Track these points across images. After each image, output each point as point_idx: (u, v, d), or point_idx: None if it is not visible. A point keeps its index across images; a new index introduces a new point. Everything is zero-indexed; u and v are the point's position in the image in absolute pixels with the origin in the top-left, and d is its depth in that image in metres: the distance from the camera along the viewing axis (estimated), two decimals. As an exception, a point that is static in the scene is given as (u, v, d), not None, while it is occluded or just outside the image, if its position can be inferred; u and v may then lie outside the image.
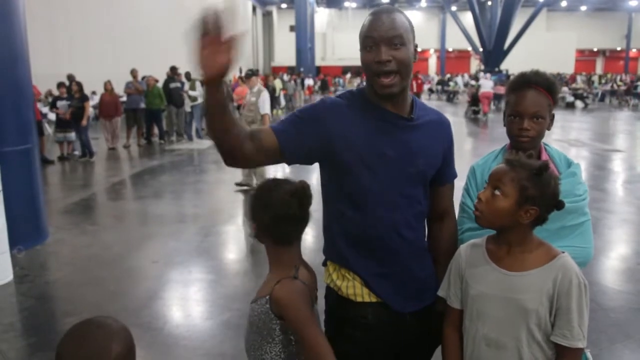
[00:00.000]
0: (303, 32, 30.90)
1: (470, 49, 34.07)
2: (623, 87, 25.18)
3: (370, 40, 1.44)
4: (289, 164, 1.50)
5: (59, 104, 9.66)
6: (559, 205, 1.37)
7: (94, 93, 13.50)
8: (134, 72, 11.59)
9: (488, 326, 1.40)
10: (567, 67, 40.92)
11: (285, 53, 40.60)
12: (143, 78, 11.89)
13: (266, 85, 16.50)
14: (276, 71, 31.34)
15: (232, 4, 1.46)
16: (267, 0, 40.91)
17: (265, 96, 6.68)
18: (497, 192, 1.35)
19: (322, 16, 44.98)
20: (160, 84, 11.83)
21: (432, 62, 49.58)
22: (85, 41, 14.83)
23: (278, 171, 7.14)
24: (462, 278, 1.48)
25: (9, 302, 3.83)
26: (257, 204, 1.45)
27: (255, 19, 39.66)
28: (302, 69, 28.66)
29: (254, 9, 38.56)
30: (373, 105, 1.51)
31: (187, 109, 12.26)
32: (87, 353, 1.04)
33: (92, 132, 10.52)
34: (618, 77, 31.49)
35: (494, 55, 26.63)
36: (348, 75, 33.67)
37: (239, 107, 12.14)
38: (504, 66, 27.35)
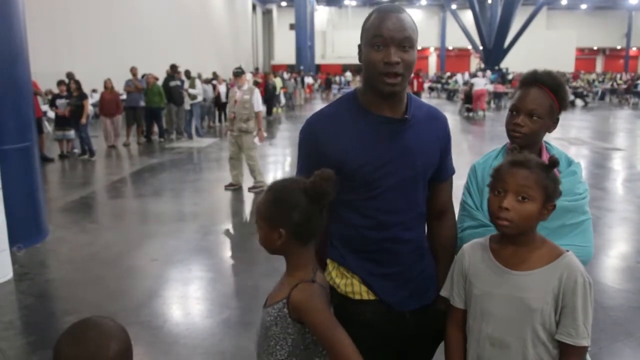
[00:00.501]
0: (303, 30, 30.90)
1: (470, 47, 34.05)
2: (623, 86, 25.19)
3: (379, 39, 1.41)
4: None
5: (58, 102, 9.64)
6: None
7: (94, 91, 13.49)
8: (133, 70, 11.58)
9: (492, 326, 1.39)
10: (567, 65, 40.86)
11: (285, 51, 40.61)
12: (143, 76, 11.88)
13: (266, 84, 16.52)
14: (276, 69, 31.24)
15: None
16: (267, -1, 40.98)
17: (258, 94, 6.96)
18: (521, 198, 1.33)
19: (322, 14, 45.00)
20: (160, 82, 11.83)
21: (432, 61, 49.56)
22: (85, 40, 14.82)
23: (278, 171, 7.11)
24: (465, 278, 1.47)
25: (8, 300, 3.83)
26: (283, 207, 1.37)
27: (255, 17, 39.65)
28: (302, 67, 28.66)
29: (254, 7, 38.55)
30: (365, 111, 1.49)
31: (187, 107, 12.27)
32: (84, 352, 1.04)
33: (91, 131, 10.51)
34: (618, 76, 31.46)
35: (494, 53, 26.64)
36: (348, 74, 33.53)
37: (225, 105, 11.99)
38: (504, 64, 27.36)
